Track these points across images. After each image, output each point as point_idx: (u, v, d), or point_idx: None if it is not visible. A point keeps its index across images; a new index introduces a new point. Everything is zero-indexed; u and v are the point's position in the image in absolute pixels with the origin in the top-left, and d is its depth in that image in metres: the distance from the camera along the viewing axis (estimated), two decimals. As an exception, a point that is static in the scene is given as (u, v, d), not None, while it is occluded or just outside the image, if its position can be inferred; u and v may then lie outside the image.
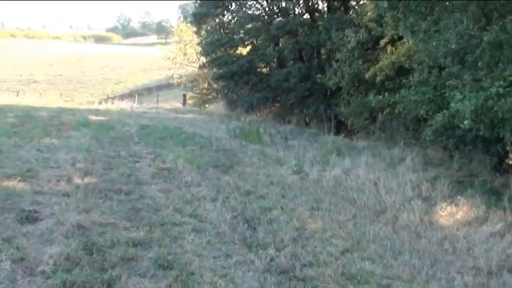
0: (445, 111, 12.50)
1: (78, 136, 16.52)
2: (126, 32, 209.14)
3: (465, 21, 12.05)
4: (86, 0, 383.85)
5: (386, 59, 20.45)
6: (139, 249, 7.01)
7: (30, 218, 7.82)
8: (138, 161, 13.48)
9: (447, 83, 13.17)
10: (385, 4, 14.73)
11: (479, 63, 11.75)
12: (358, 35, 22.43)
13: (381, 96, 16.21)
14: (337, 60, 24.10)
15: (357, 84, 23.04)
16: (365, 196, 11.55)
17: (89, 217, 7.98)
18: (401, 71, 20.18)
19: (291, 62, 31.23)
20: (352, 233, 8.88)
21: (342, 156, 16.31)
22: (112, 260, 6.60)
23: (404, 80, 17.36)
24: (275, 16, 31.77)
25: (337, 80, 23.49)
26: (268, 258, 7.18)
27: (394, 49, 21.61)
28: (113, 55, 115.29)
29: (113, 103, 38.96)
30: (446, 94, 12.83)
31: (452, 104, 11.35)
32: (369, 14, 22.02)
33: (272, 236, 8.22)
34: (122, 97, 55.89)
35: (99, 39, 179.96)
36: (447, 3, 13.62)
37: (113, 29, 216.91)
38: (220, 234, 8.00)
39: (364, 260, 7.66)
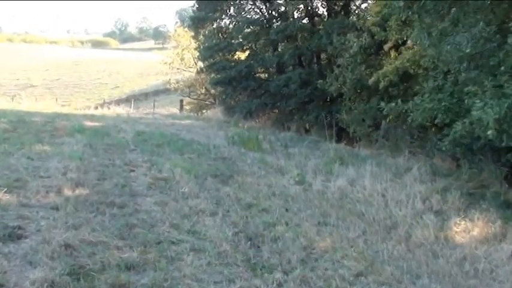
0: (465, 119, 11.81)
1: (72, 143, 15.86)
2: (124, 37, 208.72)
3: (481, 24, 11.35)
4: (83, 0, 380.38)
5: (390, 64, 19.81)
6: (132, 274, 6.30)
7: (13, 235, 7.11)
8: (133, 170, 12.80)
9: (465, 90, 12.45)
10: (401, 3, 14.02)
11: (502, 68, 11.06)
12: (360, 39, 21.80)
13: (393, 104, 15.39)
14: (338, 66, 23.48)
15: (359, 91, 22.37)
16: (373, 209, 10.93)
17: (78, 234, 7.28)
18: (406, 76, 19.66)
19: (290, 67, 30.65)
20: (364, 253, 8.18)
21: (345, 165, 15.76)
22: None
23: (416, 87, 16.85)
24: (274, 20, 31.20)
25: (339, 86, 22.84)
26: (275, 284, 6.47)
27: (397, 54, 20.99)
28: (110, 60, 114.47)
29: (109, 108, 38.37)
30: (465, 101, 12.16)
31: (473, 112, 10.67)
32: (372, 18, 21.37)
33: (278, 256, 7.52)
34: (119, 102, 55.69)
35: (97, 44, 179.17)
36: (467, 2, 12.88)
37: (110, 34, 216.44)
38: (221, 255, 7.29)
39: (381, 285, 6.96)
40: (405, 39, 19.93)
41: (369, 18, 21.99)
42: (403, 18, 18.99)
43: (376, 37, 21.01)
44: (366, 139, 22.21)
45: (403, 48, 20.45)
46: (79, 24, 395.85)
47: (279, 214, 9.84)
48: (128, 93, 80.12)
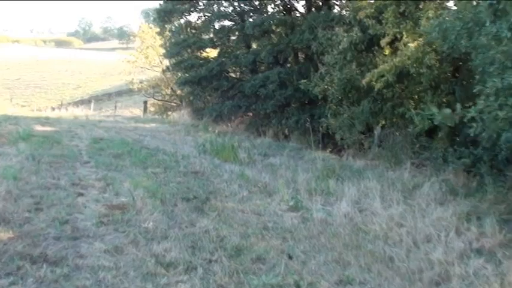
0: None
1: (12, 154, 13.29)
2: (87, 36, 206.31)
3: None
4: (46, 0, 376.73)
5: (386, 62, 17.12)
6: None
7: None
8: (81, 194, 10.03)
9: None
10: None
11: None
12: (350, 34, 19.01)
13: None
14: (324, 64, 20.64)
15: (348, 92, 19.63)
16: (403, 251, 8.14)
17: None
18: (401, 76, 17.06)
19: (266, 65, 27.68)
20: None
21: (341, 181, 13.08)
22: None
23: (417, 88, 14.38)
24: (247, 15, 28.35)
25: (325, 86, 20.04)
26: None
27: (392, 51, 18.35)
28: (73, 60, 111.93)
29: (67, 110, 35.77)
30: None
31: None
32: (365, 9, 18.65)
33: None
34: (81, 103, 53.39)
35: (60, 44, 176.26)
36: None
37: (74, 34, 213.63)
38: None
39: None
40: (403, 33, 17.28)
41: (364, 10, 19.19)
42: (387, 15, 17.23)
43: (370, 31, 18.29)
44: (356, 147, 19.51)
45: (399, 44, 17.77)
46: (43, 24, 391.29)
47: (283, 266, 7.05)
48: (91, 94, 78.06)
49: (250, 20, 27.45)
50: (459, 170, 14.31)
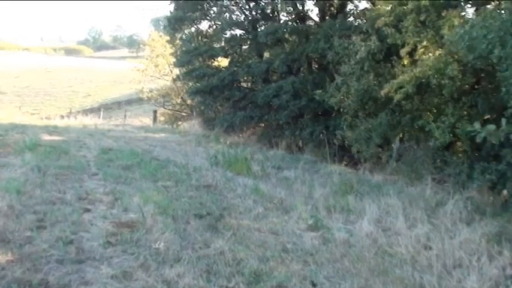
0: None
1: (17, 165, 12.74)
2: (97, 45, 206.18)
3: None
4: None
5: (405, 73, 16.49)
6: None
7: None
8: (88, 210, 9.40)
9: None
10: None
11: None
12: (368, 43, 18.39)
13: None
14: (340, 74, 20.00)
15: (365, 103, 18.99)
16: (433, 278, 7.47)
17: None
18: (421, 87, 16.47)
19: (279, 75, 27.06)
20: None
21: (360, 197, 12.51)
22: None
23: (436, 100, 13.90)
24: (259, 23, 27.94)
25: (342, 97, 19.40)
26: None
27: (411, 61, 17.72)
28: (82, 68, 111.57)
29: (75, 118, 35.24)
30: None
31: None
32: (384, 18, 18.02)
33: None
34: (90, 111, 53.03)
35: (70, 52, 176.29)
36: None
37: (84, 42, 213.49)
38: None
39: None
40: (424, 43, 16.66)
41: (383, 19, 18.55)
42: (406, 24, 16.64)
43: (388, 40, 17.66)
44: (373, 161, 18.85)
45: (419, 54, 17.14)
46: (53, 32, 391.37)
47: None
48: (100, 102, 77.49)
49: (263, 28, 26.93)
50: (484, 187, 13.73)
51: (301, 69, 26.65)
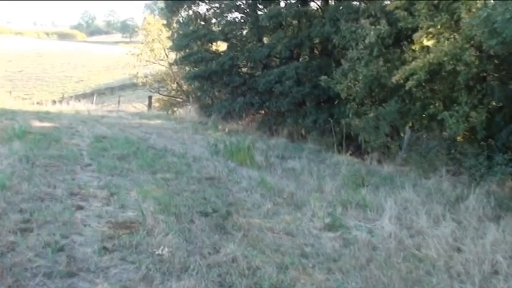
0: None
1: (3, 155, 11.86)
2: (90, 29, 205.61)
3: None
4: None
5: (419, 58, 15.62)
6: None
7: None
8: (81, 207, 8.43)
9: None
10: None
11: None
12: (378, 26, 17.49)
13: None
14: (349, 60, 19.04)
15: (373, 90, 18.13)
16: (476, 288, 6.60)
17: None
18: (433, 74, 15.66)
19: (278, 61, 26.27)
20: None
21: (374, 190, 11.67)
22: None
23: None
24: (259, 7, 27.03)
25: (349, 84, 18.48)
26: None
27: (423, 46, 16.86)
28: (75, 53, 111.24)
29: (68, 104, 34.35)
30: None
31: None
32: (395, 1, 17.17)
33: None
34: (83, 96, 52.19)
35: (63, 36, 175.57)
36: None
37: (77, 27, 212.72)
38: None
39: None
40: (439, 27, 15.76)
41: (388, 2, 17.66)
42: (419, 7, 15.95)
43: (401, 24, 16.78)
44: (381, 151, 17.97)
45: (433, 38, 16.26)
46: (46, 16, 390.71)
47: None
48: (93, 87, 77.27)
49: (263, 11, 26.08)
50: (505, 179, 12.96)
51: (303, 54, 25.76)
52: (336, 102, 22.21)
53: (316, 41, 23.92)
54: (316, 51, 25.48)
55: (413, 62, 15.57)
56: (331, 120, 20.26)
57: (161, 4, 35.10)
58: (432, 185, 12.80)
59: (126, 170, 11.67)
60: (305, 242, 7.88)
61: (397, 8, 16.89)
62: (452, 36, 15.37)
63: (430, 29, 15.94)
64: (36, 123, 18.77)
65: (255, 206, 9.71)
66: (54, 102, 40.94)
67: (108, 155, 13.41)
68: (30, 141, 13.99)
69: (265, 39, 27.50)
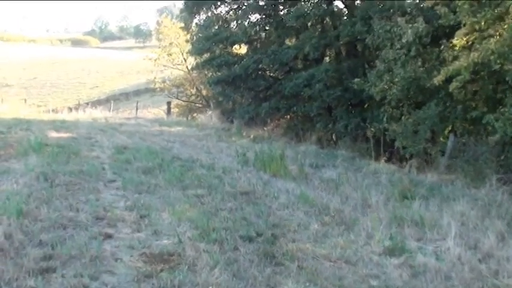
0: None
1: (19, 172, 11.00)
2: (104, 35, 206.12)
3: None
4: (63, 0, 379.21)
5: (461, 57, 14.57)
6: None
7: None
8: (109, 235, 7.38)
9: None
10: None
11: None
12: (415, 25, 16.47)
13: None
14: (383, 61, 17.98)
15: (411, 93, 17.14)
16: None
17: None
18: (476, 75, 14.78)
19: (304, 62, 25.17)
20: None
21: (423, 203, 10.57)
22: None
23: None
24: (279, 7, 26.18)
25: (385, 86, 17.42)
26: None
27: (466, 44, 15.78)
28: (89, 59, 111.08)
29: (84, 111, 33.67)
30: None
31: None
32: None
33: None
34: (98, 102, 52.06)
35: (76, 43, 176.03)
36: None
37: (91, 33, 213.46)
38: None
39: None
40: (483, 23, 14.70)
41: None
42: (460, 3, 14.76)
43: (441, 21, 15.75)
44: (421, 157, 16.89)
45: (476, 36, 15.22)
46: (59, 23, 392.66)
47: None
48: (108, 94, 76.94)
49: (286, 11, 25.19)
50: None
51: (332, 55, 24.96)
52: (367, 106, 21.25)
53: (344, 41, 22.76)
54: (343, 53, 24.28)
55: (456, 62, 14.56)
56: (366, 125, 19.26)
57: (180, 5, 34.37)
58: (484, 196, 11.72)
59: (153, 186, 10.77)
60: (368, 273, 6.79)
61: (436, 3, 15.84)
62: (497, 33, 14.30)
63: (475, 26, 14.84)
64: (53, 134, 18.12)
65: (302, 227, 8.66)
66: (70, 109, 40.48)
67: (132, 168, 12.59)
68: (47, 155, 13.22)
69: (287, 41, 26.55)
